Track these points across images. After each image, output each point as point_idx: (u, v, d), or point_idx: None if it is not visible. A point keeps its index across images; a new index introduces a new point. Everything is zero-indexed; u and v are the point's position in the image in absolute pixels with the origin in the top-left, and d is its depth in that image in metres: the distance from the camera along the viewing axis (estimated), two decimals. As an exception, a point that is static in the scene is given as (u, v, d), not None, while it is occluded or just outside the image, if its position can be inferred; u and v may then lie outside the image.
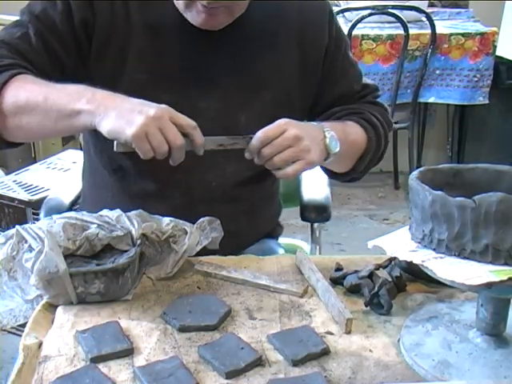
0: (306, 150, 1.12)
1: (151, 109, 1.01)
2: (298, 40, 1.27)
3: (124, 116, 1.01)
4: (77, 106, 1.05)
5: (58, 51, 1.17)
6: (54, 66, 1.18)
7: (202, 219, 1.15)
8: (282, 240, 1.54)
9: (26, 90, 1.09)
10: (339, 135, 1.21)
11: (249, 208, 1.32)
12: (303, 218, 1.55)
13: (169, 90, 1.20)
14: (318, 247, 1.57)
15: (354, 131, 1.29)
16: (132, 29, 1.19)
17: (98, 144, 1.30)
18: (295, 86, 1.29)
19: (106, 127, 1.02)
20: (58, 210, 1.40)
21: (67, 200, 1.49)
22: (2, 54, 1.15)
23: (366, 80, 1.39)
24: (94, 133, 1.16)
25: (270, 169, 1.14)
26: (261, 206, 1.39)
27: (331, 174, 1.38)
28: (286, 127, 1.12)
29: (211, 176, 1.25)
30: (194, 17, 1.15)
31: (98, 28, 1.18)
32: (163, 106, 1.03)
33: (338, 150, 1.19)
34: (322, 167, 1.37)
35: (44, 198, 1.62)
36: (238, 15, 1.17)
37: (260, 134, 1.11)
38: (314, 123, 1.22)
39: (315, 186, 1.56)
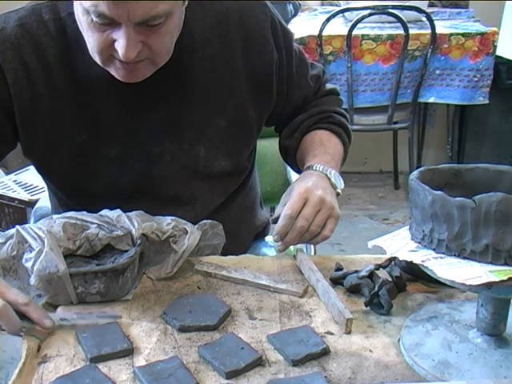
0: (331, 207, 1.13)
1: None
2: (244, 58, 1.22)
3: None
4: None
5: None
6: None
7: (203, 221, 1.15)
8: (269, 238, 1.53)
9: None
10: (331, 164, 1.22)
11: (226, 231, 1.23)
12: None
13: (116, 145, 1.17)
14: (312, 247, 1.55)
15: (334, 145, 1.31)
16: (57, 91, 1.13)
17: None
18: (249, 105, 1.25)
19: None
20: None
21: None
22: None
23: (312, 65, 1.36)
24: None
25: (305, 240, 1.14)
26: (239, 225, 1.36)
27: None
28: (306, 194, 1.12)
29: (181, 213, 1.17)
30: (114, 73, 1.09)
31: (16, 98, 1.12)
32: None
33: (343, 185, 1.21)
34: (296, 171, 1.38)
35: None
36: (163, 63, 1.10)
37: (288, 211, 1.11)
38: (314, 168, 1.20)
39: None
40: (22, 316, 0.93)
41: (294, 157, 1.35)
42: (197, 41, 1.17)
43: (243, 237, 1.39)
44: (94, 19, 1.00)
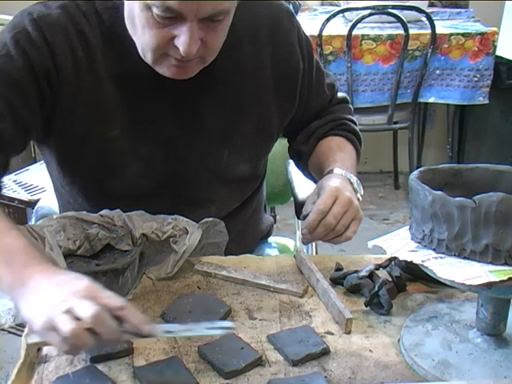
0: (357, 210, 1.15)
1: (63, 291, 0.83)
2: (271, 64, 1.24)
3: (35, 303, 0.84)
4: (2, 275, 0.90)
5: (21, 113, 1.09)
6: (19, 129, 1.09)
7: (205, 219, 1.14)
8: (270, 238, 1.55)
9: None
10: (351, 170, 1.24)
11: (235, 236, 1.27)
12: (299, 217, 1.55)
13: (145, 143, 1.17)
14: (314, 245, 1.56)
15: (349, 152, 1.33)
16: (97, 83, 1.13)
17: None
18: (273, 112, 1.27)
19: (24, 314, 0.86)
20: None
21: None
22: None
23: (326, 74, 1.38)
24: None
25: (329, 238, 1.14)
26: (248, 228, 1.38)
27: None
28: (337, 193, 1.13)
29: (197, 215, 1.18)
30: (165, 70, 1.09)
31: (62, 82, 1.10)
32: (84, 283, 0.85)
33: (362, 191, 1.23)
34: (307, 175, 1.40)
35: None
36: (210, 61, 1.12)
37: (320, 206, 1.12)
38: (338, 172, 1.22)
39: (308, 185, 1.55)
40: (118, 321, 0.82)
41: (306, 162, 1.37)
42: (230, 44, 1.17)
43: (250, 240, 1.41)
44: (159, 14, 1.00)
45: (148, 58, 1.08)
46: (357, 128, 1.38)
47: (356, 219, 1.15)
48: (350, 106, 1.43)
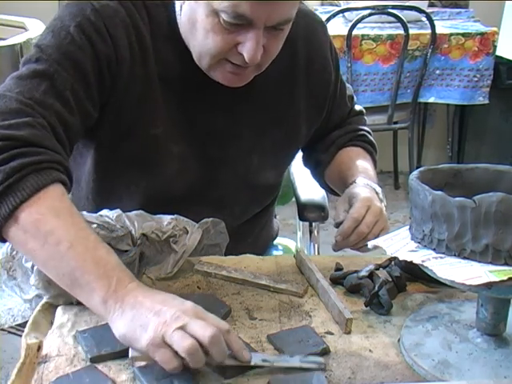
0: (386, 220, 1.18)
1: (171, 309, 0.84)
2: (305, 75, 1.26)
3: (139, 319, 0.84)
4: (94, 287, 0.88)
5: (86, 106, 1.07)
6: (83, 122, 1.07)
7: (205, 220, 1.15)
8: (279, 240, 1.57)
9: (54, 221, 0.90)
10: (374, 180, 1.27)
11: (252, 240, 1.33)
12: (301, 218, 1.57)
13: (180, 143, 1.17)
14: (316, 246, 1.58)
15: (370, 164, 1.35)
16: (148, 79, 1.12)
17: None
18: (302, 121, 1.29)
19: (119, 330, 0.86)
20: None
21: None
22: (40, 123, 0.97)
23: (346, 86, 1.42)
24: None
25: (358, 247, 1.17)
26: (262, 232, 1.41)
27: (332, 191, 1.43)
28: (369, 203, 1.17)
29: (220, 217, 1.18)
30: (220, 76, 1.10)
31: (119, 75, 1.09)
32: (189, 303, 0.86)
33: (385, 202, 1.25)
34: (321, 184, 1.43)
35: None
36: (264, 68, 1.12)
37: (355, 215, 1.15)
38: (362, 183, 1.24)
39: (311, 186, 1.57)
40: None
41: (323, 171, 1.39)
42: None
43: (263, 243, 1.43)
44: (227, 20, 1.00)
45: (205, 62, 1.08)
46: (374, 141, 1.41)
47: (385, 229, 1.17)
48: (366, 117, 1.46)
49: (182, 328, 0.81)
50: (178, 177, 1.20)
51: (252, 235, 1.32)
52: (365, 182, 1.24)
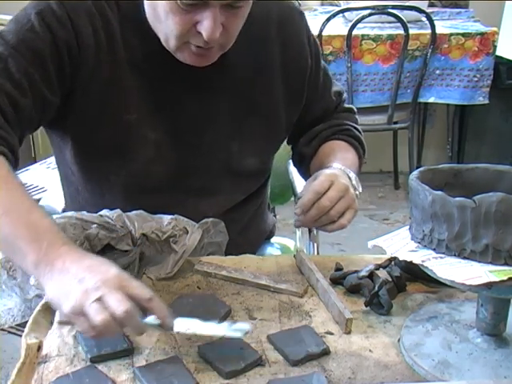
0: (353, 199, 1.16)
1: (93, 278, 0.85)
2: (281, 60, 1.26)
3: (64, 285, 0.85)
4: (26, 251, 0.90)
5: (42, 89, 1.08)
6: (38, 106, 1.09)
7: (205, 220, 1.15)
8: (276, 239, 1.56)
9: None
10: (352, 169, 1.24)
11: (241, 228, 1.31)
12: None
13: (157, 129, 1.18)
14: (315, 245, 1.57)
15: (351, 156, 1.34)
16: (117, 66, 1.14)
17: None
18: (281, 106, 1.28)
19: (48, 294, 0.88)
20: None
21: (59, 207, 1.45)
22: None
23: (334, 83, 1.41)
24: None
25: (322, 224, 1.14)
26: (252, 223, 1.39)
27: None
28: (333, 178, 1.14)
29: (204, 206, 1.22)
30: (186, 57, 1.12)
31: (82, 62, 1.11)
32: (113, 271, 0.87)
33: (361, 189, 1.23)
34: (304, 176, 1.40)
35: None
36: (228, 48, 1.14)
37: (316, 187, 1.12)
38: (336, 167, 1.22)
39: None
40: (143, 311, 0.86)
41: (308, 164, 1.37)
42: (243, 39, 1.19)
43: (253, 237, 1.41)
44: (183, 1, 1.02)
45: (171, 44, 1.10)
46: (361, 136, 1.39)
47: (352, 208, 1.15)
48: (357, 117, 1.44)
49: (100, 299, 0.83)
50: (155, 164, 1.20)
51: (240, 224, 1.30)
52: (339, 166, 1.22)
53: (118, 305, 0.82)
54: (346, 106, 1.43)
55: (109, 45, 1.13)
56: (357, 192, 1.21)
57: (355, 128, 1.39)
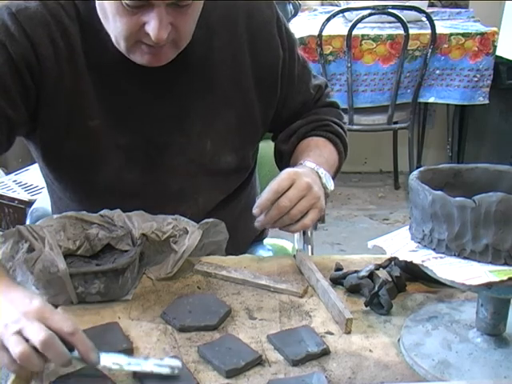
0: (317, 197, 1.12)
1: (14, 311, 0.84)
2: (250, 53, 1.24)
3: None
4: None
5: (5, 109, 1.09)
6: (3, 127, 1.10)
7: (205, 220, 1.14)
8: (266, 240, 1.54)
9: None
10: (324, 166, 1.21)
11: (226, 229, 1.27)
12: None
13: (126, 134, 1.17)
14: (309, 247, 1.54)
15: (329, 151, 1.30)
16: (78, 73, 1.14)
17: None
18: (255, 101, 1.26)
19: None
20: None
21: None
22: None
23: (315, 76, 1.37)
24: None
25: (284, 224, 1.11)
26: (238, 224, 1.34)
27: None
28: (295, 177, 1.11)
29: (184, 208, 1.20)
30: (139, 58, 1.10)
31: (44, 73, 1.11)
32: (36, 303, 0.85)
33: (332, 187, 1.20)
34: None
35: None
36: (183, 46, 1.12)
37: (274, 186, 1.09)
38: (306, 165, 1.20)
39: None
40: (67, 345, 0.83)
41: (288, 162, 1.34)
42: (205, 33, 1.18)
43: (241, 237, 1.38)
44: (127, 2, 1.02)
45: (122, 46, 1.09)
46: (341, 131, 1.35)
47: (316, 207, 1.12)
48: (340, 111, 1.41)
49: (19, 332, 0.81)
50: (128, 170, 1.19)
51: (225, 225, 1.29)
52: (312, 165, 1.19)
53: (37, 334, 0.80)
54: (329, 100, 1.39)
55: (68, 53, 1.13)
56: (328, 191, 1.19)
57: (335, 123, 1.35)
